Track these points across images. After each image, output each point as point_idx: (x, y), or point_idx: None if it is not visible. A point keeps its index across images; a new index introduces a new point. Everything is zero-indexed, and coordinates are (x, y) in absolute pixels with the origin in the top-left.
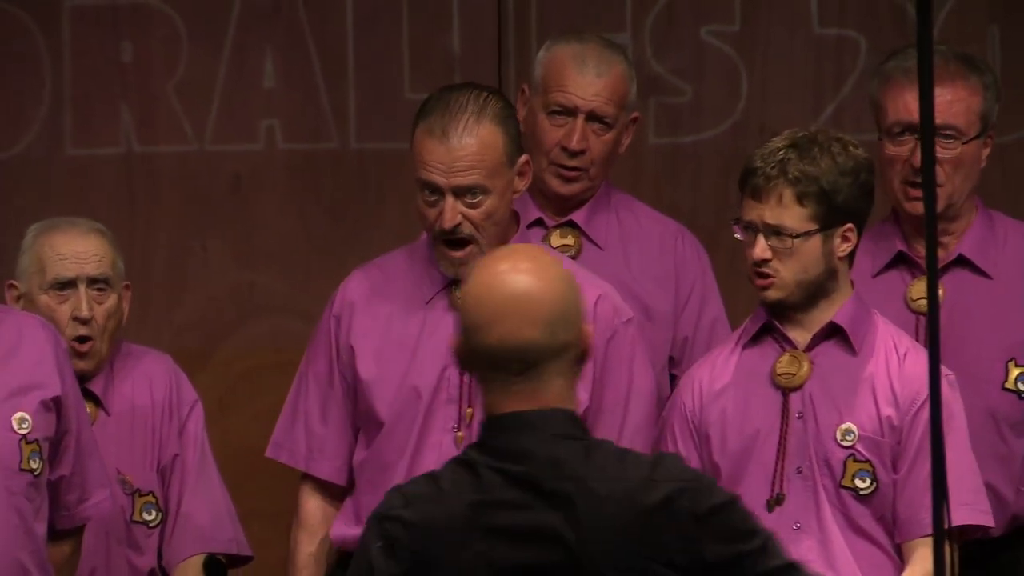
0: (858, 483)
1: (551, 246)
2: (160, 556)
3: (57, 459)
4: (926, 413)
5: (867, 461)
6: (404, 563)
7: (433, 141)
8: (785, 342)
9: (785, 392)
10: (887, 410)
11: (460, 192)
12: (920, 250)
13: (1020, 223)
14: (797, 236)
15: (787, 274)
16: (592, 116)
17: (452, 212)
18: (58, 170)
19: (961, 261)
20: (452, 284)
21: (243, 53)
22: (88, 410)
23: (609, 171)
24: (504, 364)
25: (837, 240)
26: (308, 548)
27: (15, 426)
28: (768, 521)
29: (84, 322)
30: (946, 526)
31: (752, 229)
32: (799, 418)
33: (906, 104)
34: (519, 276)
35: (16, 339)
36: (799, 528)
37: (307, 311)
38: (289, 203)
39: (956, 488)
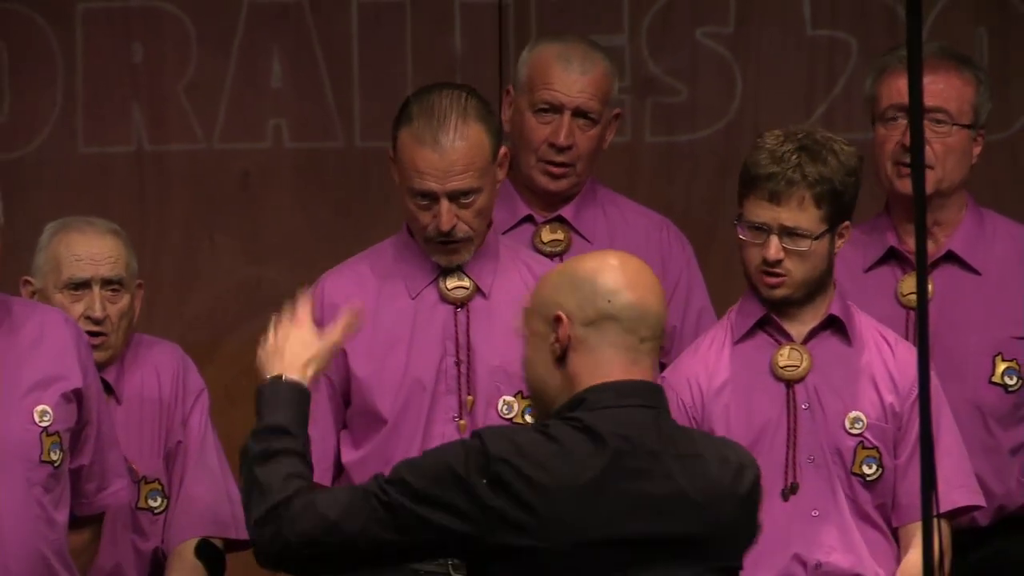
0: (865, 469)
1: (542, 241)
2: (163, 540)
3: (78, 449)
4: None
5: (874, 447)
6: (514, 514)
7: (425, 149)
8: (782, 336)
9: (789, 384)
10: (888, 397)
11: (454, 196)
12: (911, 245)
13: (1011, 221)
14: (816, 238)
15: (798, 274)
16: (578, 112)
17: (449, 215)
18: (71, 168)
19: (951, 257)
20: (440, 277)
21: (251, 55)
22: None
23: (594, 167)
24: (635, 328)
25: (837, 238)
26: None
27: (37, 419)
28: (784, 509)
29: (97, 322)
30: (943, 508)
31: (764, 230)
32: (806, 409)
33: (899, 88)
34: (634, 261)
35: (39, 334)
36: (818, 515)
37: None
38: (296, 200)
39: (954, 470)
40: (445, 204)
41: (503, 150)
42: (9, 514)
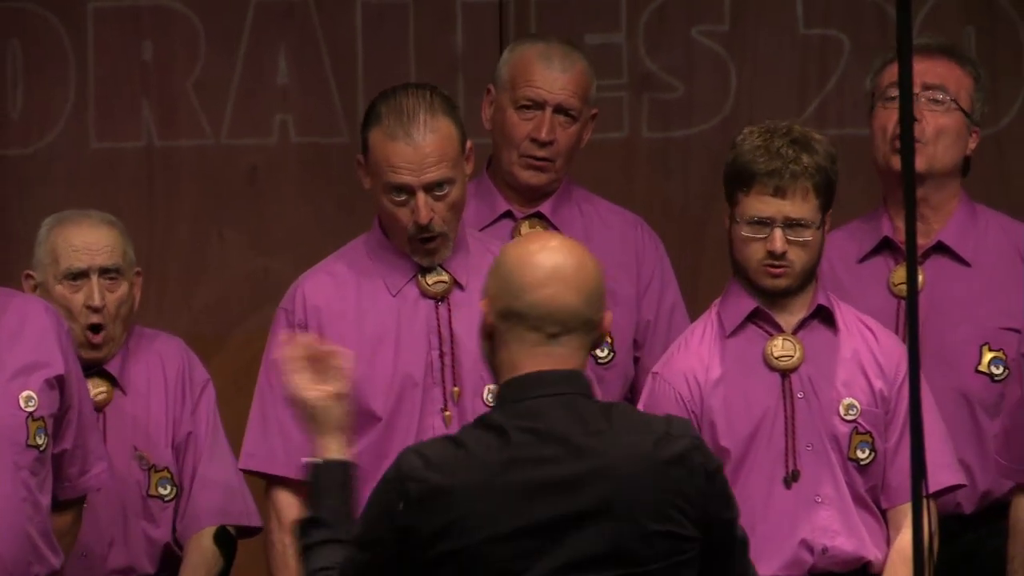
0: (860, 454)
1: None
2: (175, 529)
3: (60, 434)
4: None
5: (868, 432)
6: (430, 525)
7: (398, 144)
8: (773, 327)
9: (783, 374)
10: (877, 383)
11: (430, 187)
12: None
13: (1002, 215)
14: (818, 227)
15: (800, 264)
16: (559, 109)
17: (426, 208)
18: (83, 163)
19: (941, 248)
20: (420, 273)
21: (258, 52)
22: (105, 390)
23: (571, 165)
24: (541, 325)
25: (825, 226)
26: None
27: (22, 404)
28: (787, 496)
29: (96, 310)
30: (932, 489)
31: (767, 224)
32: (802, 398)
33: None
34: (567, 249)
35: (20, 321)
36: (821, 501)
37: None
38: (302, 194)
39: (938, 451)
40: (422, 197)
41: (469, 144)
42: None
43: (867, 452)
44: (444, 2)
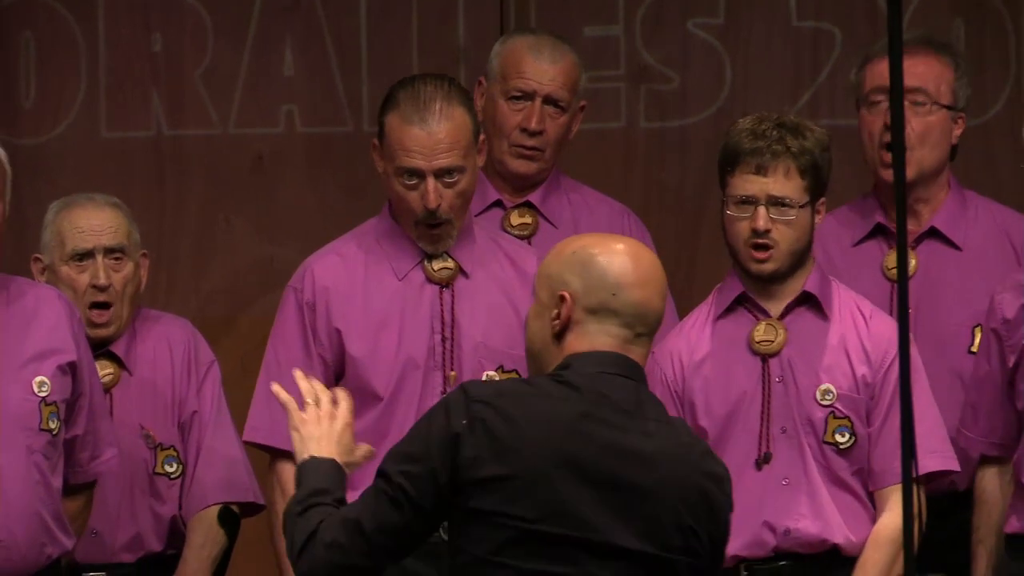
0: (838, 438)
1: (511, 225)
2: (180, 507)
3: (72, 419)
4: (896, 370)
5: (846, 417)
6: (491, 446)
7: (413, 128)
8: (759, 312)
9: (764, 358)
10: (861, 369)
11: (440, 174)
12: None
13: (991, 201)
14: (802, 206)
15: (785, 245)
16: (548, 99)
17: (435, 192)
18: (94, 152)
19: (933, 233)
20: (427, 259)
21: (264, 44)
22: (112, 371)
23: (559, 155)
24: (633, 324)
25: (816, 213)
26: None
27: (36, 389)
28: (757, 478)
29: (102, 289)
30: (917, 473)
31: (751, 202)
32: (779, 382)
33: (881, 72)
34: (650, 254)
35: (34, 309)
36: (788, 483)
37: None
38: (307, 182)
39: (928, 437)
40: (431, 182)
41: (482, 136)
42: (12, 479)
43: (847, 436)
44: None
